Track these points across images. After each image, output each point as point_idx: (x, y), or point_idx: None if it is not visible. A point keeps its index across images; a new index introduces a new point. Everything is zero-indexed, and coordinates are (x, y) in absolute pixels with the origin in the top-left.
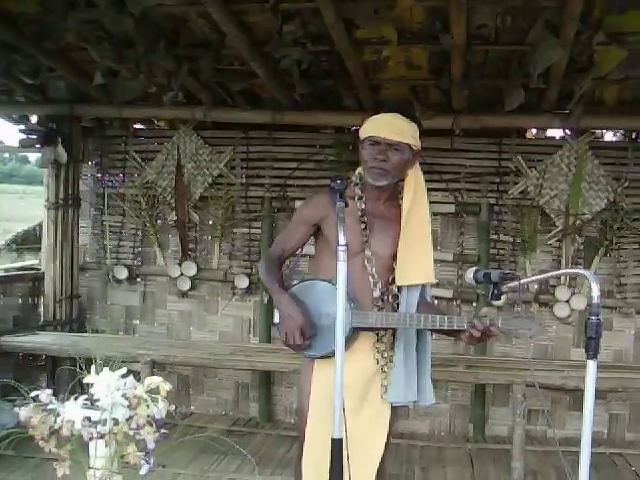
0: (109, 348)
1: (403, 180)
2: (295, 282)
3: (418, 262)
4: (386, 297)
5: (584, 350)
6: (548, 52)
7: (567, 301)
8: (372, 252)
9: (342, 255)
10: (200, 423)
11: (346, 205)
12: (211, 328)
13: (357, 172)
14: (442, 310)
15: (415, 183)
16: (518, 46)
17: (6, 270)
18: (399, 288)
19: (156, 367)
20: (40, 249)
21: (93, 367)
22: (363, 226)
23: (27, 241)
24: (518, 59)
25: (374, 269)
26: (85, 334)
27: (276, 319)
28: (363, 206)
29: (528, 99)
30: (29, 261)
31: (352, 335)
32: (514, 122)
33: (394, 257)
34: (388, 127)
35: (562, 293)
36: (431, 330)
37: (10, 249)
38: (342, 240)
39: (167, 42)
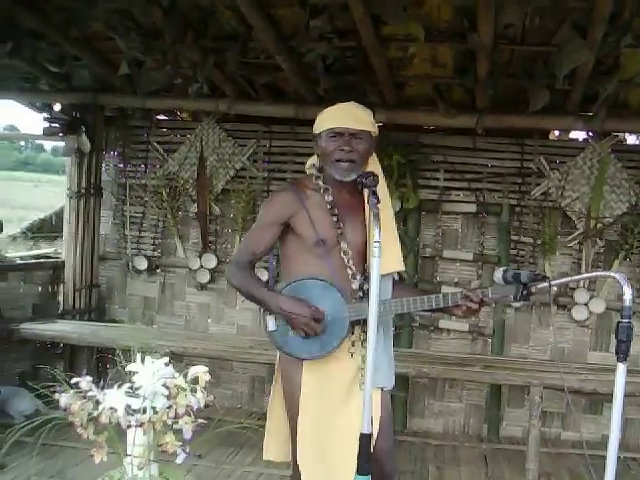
0: (128, 338)
1: None
2: (283, 285)
3: (388, 251)
4: (364, 287)
5: (614, 352)
6: (575, 53)
7: (586, 304)
8: (347, 243)
9: (377, 251)
10: (215, 416)
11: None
12: (229, 321)
13: (311, 164)
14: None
15: (375, 171)
16: (544, 47)
17: (22, 258)
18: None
19: (173, 359)
20: (56, 238)
21: (138, 356)
22: (335, 219)
23: (43, 229)
24: (544, 60)
25: (351, 261)
26: (104, 323)
27: (271, 327)
28: (331, 198)
29: (552, 100)
30: (45, 249)
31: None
32: (538, 123)
33: (366, 244)
34: (350, 116)
35: (581, 296)
36: (428, 310)
37: (26, 237)
38: (377, 237)
39: (194, 34)
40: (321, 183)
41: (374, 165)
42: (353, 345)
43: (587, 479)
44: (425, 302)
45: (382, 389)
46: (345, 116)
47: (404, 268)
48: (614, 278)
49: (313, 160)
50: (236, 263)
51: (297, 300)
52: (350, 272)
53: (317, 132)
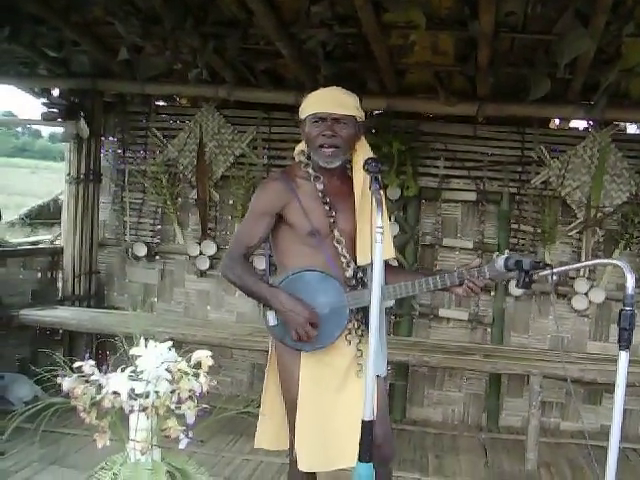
0: (127, 325)
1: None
2: (280, 279)
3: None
4: (357, 275)
5: (614, 341)
6: (576, 42)
7: (585, 294)
8: (340, 231)
9: (379, 237)
10: (216, 403)
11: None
12: (229, 308)
13: (300, 150)
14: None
15: (364, 158)
16: (546, 35)
17: (19, 244)
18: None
19: (173, 346)
20: (54, 224)
21: (142, 340)
22: (327, 207)
23: (41, 216)
24: (545, 48)
25: (344, 249)
26: (103, 310)
27: (271, 321)
28: (322, 187)
29: (553, 89)
30: (43, 236)
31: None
32: (538, 112)
33: (356, 231)
34: (333, 101)
35: (581, 285)
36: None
37: (24, 223)
38: (379, 222)
39: (194, 19)
40: (311, 171)
41: (362, 151)
42: (350, 333)
43: (586, 469)
44: (423, 285)
45: (377, 376)
46: (328, 101)
47: (395, 255)
48: (617, 266)
49: (301, 146)
50: (231, 257)
51: (297, 299)
52: (344, 260)
53: (302, 118)
